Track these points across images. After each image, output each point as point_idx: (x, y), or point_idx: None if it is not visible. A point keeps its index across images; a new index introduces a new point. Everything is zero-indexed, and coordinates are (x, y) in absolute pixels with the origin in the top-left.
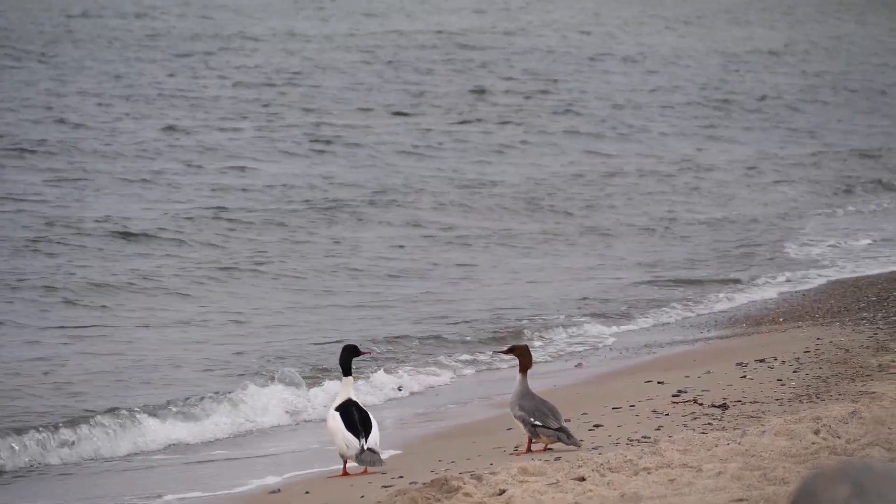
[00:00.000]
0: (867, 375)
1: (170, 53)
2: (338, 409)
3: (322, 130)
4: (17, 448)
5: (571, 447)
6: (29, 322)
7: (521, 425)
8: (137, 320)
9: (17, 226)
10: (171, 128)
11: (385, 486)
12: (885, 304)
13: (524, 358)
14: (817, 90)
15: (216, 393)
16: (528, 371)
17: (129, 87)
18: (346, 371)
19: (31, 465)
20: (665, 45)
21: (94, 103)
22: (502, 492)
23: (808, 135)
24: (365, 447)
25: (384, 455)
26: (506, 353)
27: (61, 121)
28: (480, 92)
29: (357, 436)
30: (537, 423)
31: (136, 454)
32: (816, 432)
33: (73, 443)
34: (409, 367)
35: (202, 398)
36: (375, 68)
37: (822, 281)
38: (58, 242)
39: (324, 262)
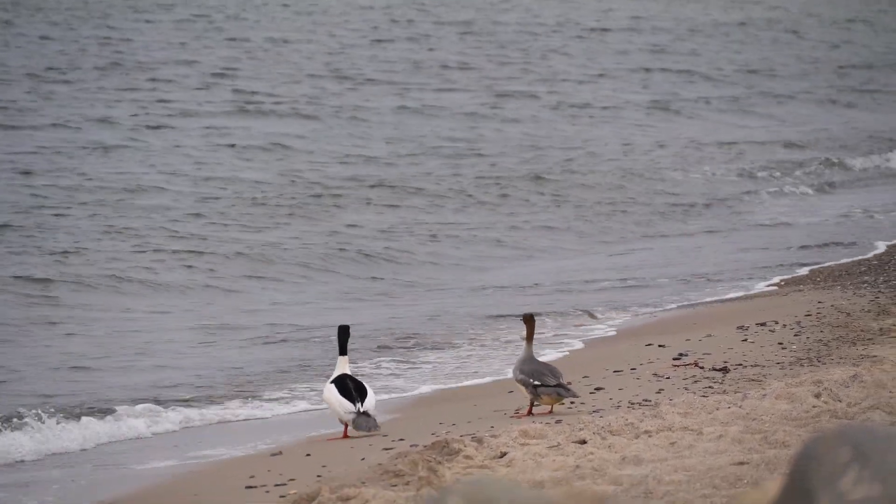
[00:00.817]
0: (868, 339)
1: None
2: (332, 381)
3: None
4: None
5: (572, 401)
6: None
7: (523, 389)
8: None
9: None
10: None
11: (386, 449)
12: (887, 267)
13: (530, 326)
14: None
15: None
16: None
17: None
18: (343, 350)
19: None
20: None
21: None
22: (503, 454)
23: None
24: (360, 410)
25: (380, 419)
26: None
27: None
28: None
29: (352, 401)
30: (536, 382)
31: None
32: (817, 396)
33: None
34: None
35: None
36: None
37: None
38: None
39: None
